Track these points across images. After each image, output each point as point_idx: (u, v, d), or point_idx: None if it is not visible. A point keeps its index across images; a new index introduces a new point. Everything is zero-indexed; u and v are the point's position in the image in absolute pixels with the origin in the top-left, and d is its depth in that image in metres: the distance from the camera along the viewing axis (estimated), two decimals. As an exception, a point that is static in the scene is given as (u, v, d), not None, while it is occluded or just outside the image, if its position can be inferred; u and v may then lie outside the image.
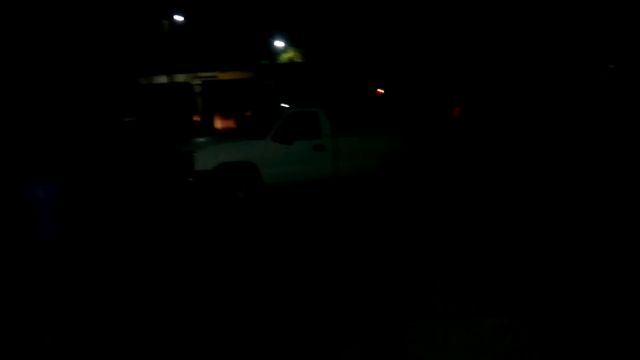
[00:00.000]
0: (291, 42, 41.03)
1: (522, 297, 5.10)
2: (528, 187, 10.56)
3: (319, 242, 7.28)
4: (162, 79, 36.63)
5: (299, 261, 6.47)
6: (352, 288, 5.50)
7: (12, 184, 7.83)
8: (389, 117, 11.76)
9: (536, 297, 5.07)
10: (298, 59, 41.82)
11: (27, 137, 18.24)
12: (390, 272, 5.98)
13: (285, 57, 42.20)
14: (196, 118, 39.34)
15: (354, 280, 5.73)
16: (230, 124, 41.09)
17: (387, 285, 5.54)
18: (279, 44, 40.90)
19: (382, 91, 32.17)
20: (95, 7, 28.80)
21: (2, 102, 19.88)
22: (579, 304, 4.89)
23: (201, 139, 12.08)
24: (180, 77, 37.76)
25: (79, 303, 5.30)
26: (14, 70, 21.16)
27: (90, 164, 13.80)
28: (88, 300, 5.38)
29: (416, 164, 11.13)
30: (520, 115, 19.43)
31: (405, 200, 9.93)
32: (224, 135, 13.69)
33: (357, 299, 5.19)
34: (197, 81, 38.38)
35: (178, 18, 36.11)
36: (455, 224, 8.05)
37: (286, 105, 11.73)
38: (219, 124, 41.87)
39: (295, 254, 6.76)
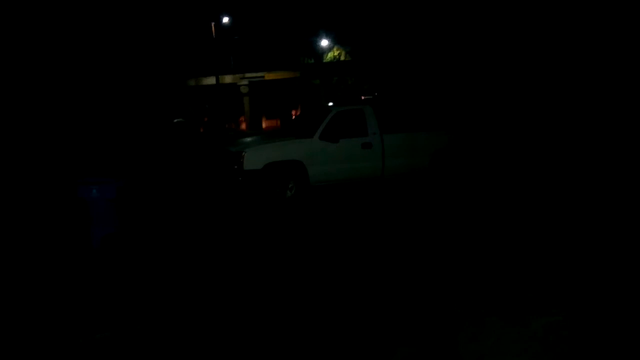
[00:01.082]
0: (336, 40, 41.02)
1: (576, 295, 4.93)
2: (585, 185, 10.21)
3: (366, 241, 7.22)
4: (210, 80, 37.22)
5: (346, 260, 6.44)
6: (401, 286, 5.44)
7: (68, 185, 8.07)
8: (438, 113, 11.50)
9: (591, 296, 4.89)
10: (343, 57, 41.76)
11: (81, 139, 18.84)
12: (440, 270, 5.88)
13: (331, 55, 42.23)
14: (242, 118, 39.78)
15: (404, 278, 5.66)
16: (276, 123, 41.47)
17: (436, 283, 5.45)
18: (324, 42, 40.95)
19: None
20: (144, 10, 29.46)
21: (58, 105, 20.58)
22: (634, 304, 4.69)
23: (249, 139, 12.18)
24: (228, 78, 38.33)
25: (133, 301, 5.40)
26: (69, 74, 21.87)
27: (142, 164, 14.13)
28: (142, 297, 5.48)
29: (469, 162, 10.85)
30: (575, 111, 18.76)
31: (456, 199, 9.75)
32: (271, 135, 13.78)
33: (408, 297, 5.11)
34: (244, 82, 38.88)
35: (225, 20, 36.59)
36: (507, 222, 7.86)
37: (332, 104, 11.71)
38: (265, 123, 42.31)
39: (343, 253, 6.73)
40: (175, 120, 25.98)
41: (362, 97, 26.58)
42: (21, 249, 7.39)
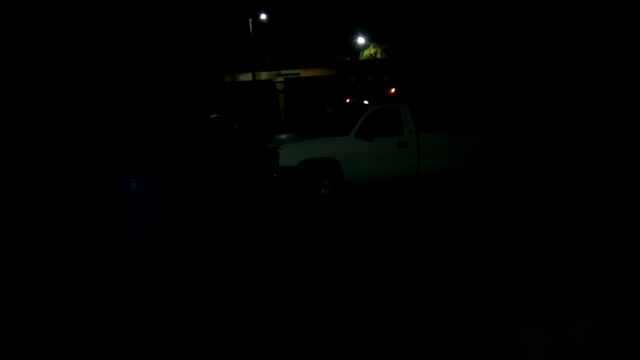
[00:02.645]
0: (373, 38, 40.86)
1: (615, 301, 4.82)
2: (626, 188, 9.96)
3: (397, 241, 7.18)
4: (246, 77, 37.50)
5: (375, 259, 6.42)
6: (433, 288, 5.39)
7: (107, 178, 8.23)
8: (475, 113, 11.36)
9: (629, 302, 4.77)
10: (380, 55, 41.57)
11: (121, 133, 19.22)
12: (473, 272, 5.81)
13: (367, 53, 42.09)
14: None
15: (435, 280, 5.61)
16: (311, 120, 41.56)
17: (470, 286, 5.39)
18: (360, 40, 40.83)
19: (394, 91, 31.44)
20: (183, 6, 29.85)
21: (100, 101, 21.03)
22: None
23: (284, 136, 12.23)
24: (264, 75, 38.54)
25: (170, 293, 5.49)
26: (109, 69, 22.31)
27: (179, 159, 14.33)
28: (179, 290, 5.56)
29: (506, 163, 10.69)
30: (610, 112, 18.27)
31: (492, 200, 9.62)
32: (306, 132, 13.84)
33: (439, 300, 5.07)
34: (280, 78, 39.05)
35: (262, 16, 36.80)
36: (543, 224, 7.72)
37: (367, 102, 11.68)
38: (300, 120, 42.40)
39: (372, 253, 6.71)
40: (212, 116, 26.23)
41: (347, 100, 25.92)
42: (59, 240, 7.58)
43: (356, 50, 42.16)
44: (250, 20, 34.70)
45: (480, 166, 10.53)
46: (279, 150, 9.63)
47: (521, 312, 4.71)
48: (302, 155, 9.69)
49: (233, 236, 7.69)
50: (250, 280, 5.82)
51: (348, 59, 42.18)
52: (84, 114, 19.63)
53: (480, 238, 7.19)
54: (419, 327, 4.53)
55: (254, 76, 35.54)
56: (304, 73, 39.48)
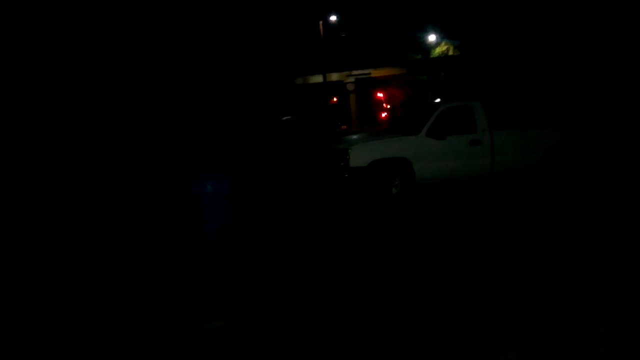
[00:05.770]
0: (444, 35, 40.08)
1: None
2: None
3: (473, 243, 7.05)
4: (317, 79, 37.80)
5: (450, 262, 6.34)
6: (507, 289, 5.27)
7: (184, 181, 8.55)
8: (549, 109, 10.99)
9: None
10: (452, 52, 40.76)
11: (196, 137, 19.88)
12: (553, 272, 5.64)
13: (439, 50, 41.35)
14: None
15: (510, 282, 5.48)
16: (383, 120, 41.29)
17: (548, 286, 5.23)
18: (431, 37, 40.15)
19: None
20: (256, 13, 30.49)
21: (179, 106, 21.87)
22: None
23: (354, 136, 12.27)
24: (334, 76, 38.70)
25: (245, 292, 5.65)
26: (188, 76, 23.14)
27: (253, 161, 14.67)
28: (253, 289, 5.71)
29: (584, 160, 10.27)
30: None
31: (572, 200, 9.26)
32: (377, 132, 13.83)
33: (515, 301, 4.95)
34: (350, 79, 39.09)
35: (332, 18, 36.96)
36: (627, 225, 7.37)
37: (438, 100, 11.53)
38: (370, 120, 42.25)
39: (447, 255, 6.63)
40: (284, 118, 26.65)
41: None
42: (140, 240, 7.95)
43: (427, 48, 41.48)
44: (320, 22, 34.93)
45: (557, 164, 10.18)
46: (349, 150, 9.68)
47: (600, 315, 4.54)
48: (373, 155, 9.69)
49: (304, 236, 7.80)
50: (321, 279, 5.89)
51: (419, 57, 41.58)
52: (165, 120, 20.45)
53: (558, 238, 6.96)
54: (493, 329, 4.45)
55: (324, 77, 35.77)
56: (374, 73, 39.34)
